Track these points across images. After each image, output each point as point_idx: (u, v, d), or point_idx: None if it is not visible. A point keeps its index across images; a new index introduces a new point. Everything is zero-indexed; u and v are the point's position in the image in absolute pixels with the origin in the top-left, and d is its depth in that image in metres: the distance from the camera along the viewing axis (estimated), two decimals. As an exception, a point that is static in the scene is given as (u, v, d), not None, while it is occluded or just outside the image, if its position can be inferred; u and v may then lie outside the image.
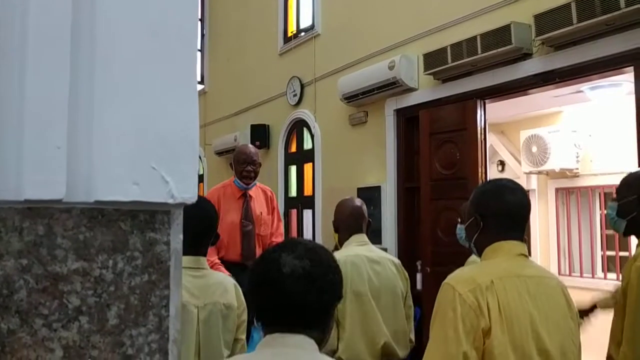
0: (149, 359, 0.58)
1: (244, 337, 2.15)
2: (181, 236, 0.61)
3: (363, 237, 2.67)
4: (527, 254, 1.65)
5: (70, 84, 0.54)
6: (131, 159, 0.57)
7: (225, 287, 2.09)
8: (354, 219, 2.69)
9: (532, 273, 1.59)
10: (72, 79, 0.54)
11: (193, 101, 0.60)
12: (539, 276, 1.60)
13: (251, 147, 3.95)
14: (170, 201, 0.59)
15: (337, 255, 2.50)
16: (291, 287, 1.20)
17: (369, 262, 2.56)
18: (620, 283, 2.07)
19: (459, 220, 2.91)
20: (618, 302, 2.01)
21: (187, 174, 0.59)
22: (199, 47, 9.58)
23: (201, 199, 1.84)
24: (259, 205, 3.82)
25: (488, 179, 4.69)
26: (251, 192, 3.81)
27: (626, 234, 2.13)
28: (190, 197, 0.59)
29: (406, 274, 2.72)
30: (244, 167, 3.74)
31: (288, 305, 1.21)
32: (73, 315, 0.55)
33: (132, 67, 0.57)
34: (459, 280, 1.51)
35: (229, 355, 1.94)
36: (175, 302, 0.60)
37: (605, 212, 2.27)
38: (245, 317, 2.15)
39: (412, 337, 2.67)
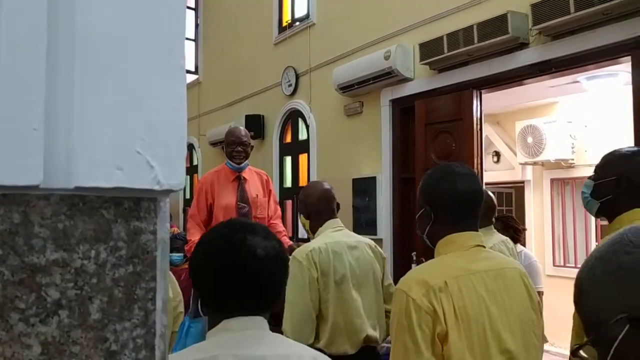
0: (135, 355, 0.55)
1: (177, 329, 2.08)
2: (168, 225, 0.58)
3: (337, 221, 2.59)
4: (482, 244, 1.56)
5: (47, 61, 0.50)
6: (114, 142, 0.53)
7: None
8: (326, 203, 2.59)
9: (489, 266, 1.50)
10: (50, 54, 0.50)
11: (181, 81, 0.57)
12: (496, 269, 1.51)
13: (241, 129, 3.96)
14: (157, 188, 0.55)
15: (317, 243, 2.45)
16: (267, 269, 1.20)
17: (349, 249, 2.50)
18: None
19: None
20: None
21: (174, 159, 0.56)
22: (192, 37, 9.50)
23: None
24: (254, 188, 3.80)
25: (484, 169, 4.67)
26: (245, 175, 3.80)
27: (597, 215, 1.96)
28: (178, 183, 0.56)
29: (383, 253, 2.66)
30: (234, 148, 3.74)
31: (257, 286, 1.20)
32: (52, 309, 0.51)
33: (115, 43, 0.53)
34: (411, 284, 1.43)
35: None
36: (162, 295, 0.57)
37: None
38: (181, 308, 2.08)
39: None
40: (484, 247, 1.58)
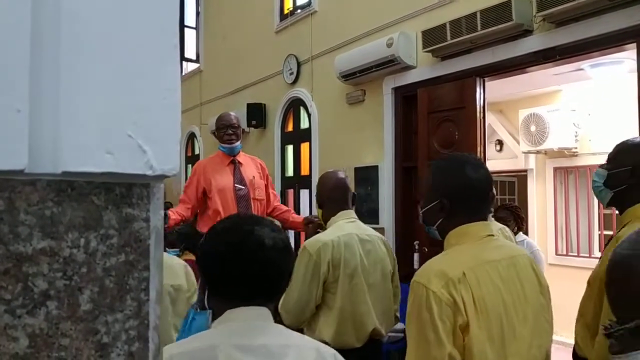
0: (127, 347, 0.53)
1: None
2: (162, 212, 0.55)
3: (351, 213, 2.55)
4: (492, 233, 1.56)
5: (31, 38, 0.47)
6: (104, 125, 0.51)
7: (173, 269, 2.02)
8: (340, 192, 2.55)
9: (502, 255, 1.51)
10: (34, 31, 0.47)
11: (174, 61, 0.54)
12: (508, 257, 1.52)
13: (230, 112, 3.97)
14: (149, 173, 0.52)
15: (330, 236, 2.42)
16: (274, 259, 1.22)
17: (360, 242, 2.47)
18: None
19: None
20: (590, 283, 1.87)
21: (167, 143, 0.53)
22: (194, 25, 9.43)
23: None
24: (250, 171, 3.81)
25: (487, 158, 4.64)
26: (240, 159, 3.80)
27: (609, 205, 1.94)
28: (172, 168, 0.53)
29: (393, 253, 2.65)
30: (225, 131, 3.75)
31: (267, 276, 1.22)
32: (39, 300, 0.49)
33: (104, 20, 0.50)
34: (429, 276, 1.41)
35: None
36: (156, 285, 0.54)
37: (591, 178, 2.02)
38: (195, 299, 2.09)
39: (398, 313, 2.62)
40: (494, 235, 1.58)
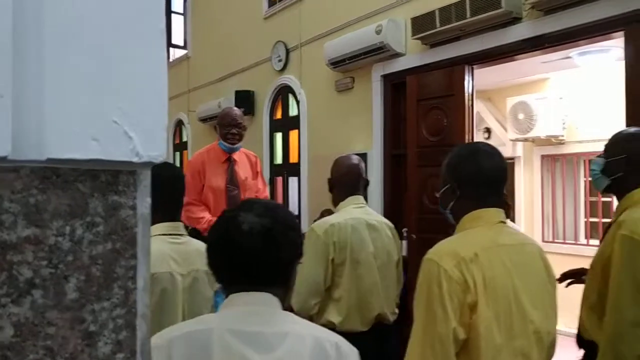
0: (115, 336, 0.52)
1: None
2: (149, 199, 0.55)
3: (360, 198, 2.56)
4: (505, 220, 1.61)
5: (14, 21, 0.46)
6: (89, 110, 0.50)
7: (204, 255, 2.02)
8: (351, 178, 2.56)
9: (513, 241, 1.56)
10: (16, 15, 0.46)
11: (160, 45, 0.53)
12: (519, 244, 1.58)
13: (236, 110, 3.89)
14: (135, 160, 0.52)
15: (337, 219, 2.43)
16: (249, 244, 1.20)
17: (368, 227, 2.48)
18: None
19: None
20: (593, 267, 1.97)
21: (154, 129, 0.52)
22: (181, 11, 9.33)
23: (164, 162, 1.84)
24: (243, 170, 3.76)
25: (475, 146, 4.64)
26: (236, 157, 3.75)
27: (605, 192, 2.08)
28: (158, 155, 0.52)
29: (399, 239, 2.67)
30: (229, 130, 3.67)
31: (246, 262, 1.21)
32: (25, 289, 0.48)
33: (88, 2, 0.49)
34: (442, 254, 1.46)
35: None
36: (144, 274, 0.54)
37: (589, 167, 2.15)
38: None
39: (398, 300, 2.64)
40: (506, 223, 1.62)
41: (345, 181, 2.56)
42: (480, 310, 1.39)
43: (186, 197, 3.72)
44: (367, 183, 2.64)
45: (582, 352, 2.04)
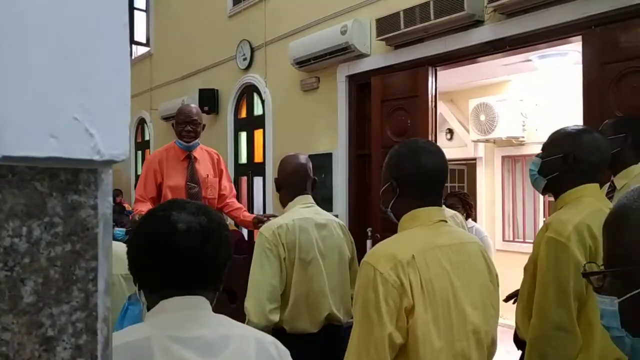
0: (74, 340, 0.50)
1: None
2: (110, 199, 0.53)
3: (308, 198, 2.52)
4: (445, 218, 1.59)
5: (-35, 13, 0.43)
6: (47, 106, 0.48)
7: (122, 259, 1.97)
8: (299, 177, 2.51)
9: (452, 240, 1.54)
10: (-32, 6, 0.44)
11: (123, 40, 0.51)
12: (459, 243, 1.55)
13: (192, 106, 3.81)
14: (97, 158, 0.50)
15: (285, 220, 2.40)
16: (188, 244, 1.15)
17: (317, 226, 2.45)
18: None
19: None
20: (527, 269, 1.94)
21: (116, 126, 0.51)
22: (144, 7, 9.16)
23: None
24: (204, 168, 3.70)
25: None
26: (196, 154, 3.69)
27: (544, 192, 2.02)
28: (120, 153, 0.51)
29: (351, 237, 2.64)
30: (184, 127, 3.61)
31: (185, 264, 1.15)
32: (-22, 293, 0.46)
33: (45, -5, 0.47)
34: (378, 257, 1.43)
35: None
36: (105, 276, 0.52)
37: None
38: None
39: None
40: (446, 221, 1.60)
41: (293, 181, 2.51)
42: (418, 313, 1.38)
43: (136, 193, 3.69)
44: (314, 182, 2.60)
45: (519, 352, 2.04)
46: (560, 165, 1.87)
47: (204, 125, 3.73)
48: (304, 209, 2.47)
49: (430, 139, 4.42)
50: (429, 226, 1.54)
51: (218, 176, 3.77)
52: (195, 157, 3.67)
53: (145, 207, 3.44)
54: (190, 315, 1.15)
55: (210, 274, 1.20)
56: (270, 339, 1.25)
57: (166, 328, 1.11)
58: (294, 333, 2.33)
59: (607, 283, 0.79)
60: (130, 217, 3.58)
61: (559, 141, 1.91)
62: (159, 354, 1.07)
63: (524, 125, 6.42)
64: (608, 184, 2.46)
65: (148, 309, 1.20)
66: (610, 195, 2.39)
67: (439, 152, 1.63)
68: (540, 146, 2.02)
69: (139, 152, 9.48)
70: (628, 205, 0.80)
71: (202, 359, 1.10)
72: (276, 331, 2.24)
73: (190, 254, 1.15)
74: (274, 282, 2.29)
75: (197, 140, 3.66)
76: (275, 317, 2.29)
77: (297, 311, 2.35)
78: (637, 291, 0.73)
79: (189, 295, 1.16)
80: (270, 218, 3.19)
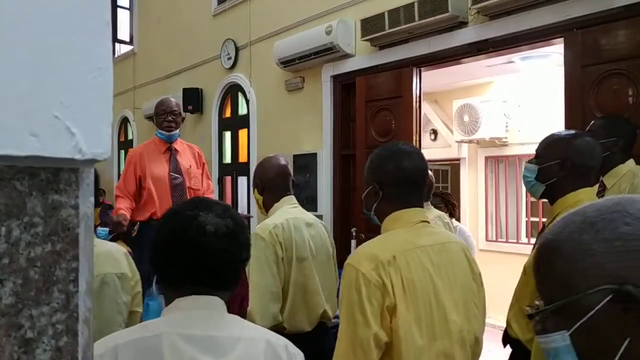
0: (54, 342, 0.49)
1: (140, 309, 2.07)
2: (92, 199, 0.52)
3: (293, 198, 2.54)
4: (427, 219, 1.62)
5: (-58, 8, 0.43)
6: (27, 105, 0.47)
7: (115, 258, 1.97)
8: (283, 179, 2.53)
9: (434, 241, 1.56)
10: (-54, 1, 0.43)
11: (105, 37, 0.51)
12: (441, 243, 1.57)
13: (171, 98, 3.87)
14: (78, 157, 0.49)
15: (278, 219, 2.40)
16: (215, 246, 1.17)
17: (306, 226, 2.47)
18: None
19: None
20: (527, 271, 1.94)
21: (98, 125, 0.50)
22: (127, 5, 9.08)
23: None
24: (186, 159, 3.74)
25: (422, 147, 4.74)
26: (177, 147, 3.73)
27: (541, 198, 2.03)
28: (102, 152, 0.50)
29: (331, 236, 2.67)
30: (165, 118, 3.67)
31: (208, 264, 1.18)
32: (-45, 294, 0.45)
33: (26, -9, 0.46)
34: (360, 259, 1.46)
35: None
36: (86, 276, 0.51)
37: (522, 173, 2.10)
38: (139, 288, 2.06)
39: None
40: (428, 222, 1.62)
41: (278, 182, 2.53)
42: (400, 313, 1.40)
43: (115, 189, 3.71)
44: (294, 183, 2.63)
45: (508, 349, 2.05)
46: (558, 171, 1.88)
47: (183, 118, 3.78)
48: (292, 208, 2.49)
49: (414, 139, 4.45)
50: (411, 227, 1.57)
51: (201, 168, 3.81)
52: (176, 149, 3.71)
53: (124, 204, 3.48)
54: (203, 315, 1.17)
55: (231, 275, 1.23)
56: (282, 342, 1.26)
57: (178, 326, 1.14)
58: (292, 332, 2.34)
59: (551, 321, 0.76)
60: (111, 214, 3.59)
61: (554, 147, 1.92)
62: (168, 351, 1.09)
63: (506, 126, 6.48)
64: (597, 184, 2.49)
65: (166, 303, 1.22)
66: (601, 195, 2.41)
67: (419, 155, 1.66)
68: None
69: (122, 151, 9.39)
70: (555, 239, 0.77)
71: (209, 358, 1.11)
72: (276, 331, 2.25)
73: (216, 255, 1.18)
74: (275, 282, 2.30)
75: (177, 131, 3.70)
76: (279, 317, 2.31)
77: (295, 310, 2.36)
78: (587, 317, 0.70)
79: (205, 295, 1.19)
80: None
